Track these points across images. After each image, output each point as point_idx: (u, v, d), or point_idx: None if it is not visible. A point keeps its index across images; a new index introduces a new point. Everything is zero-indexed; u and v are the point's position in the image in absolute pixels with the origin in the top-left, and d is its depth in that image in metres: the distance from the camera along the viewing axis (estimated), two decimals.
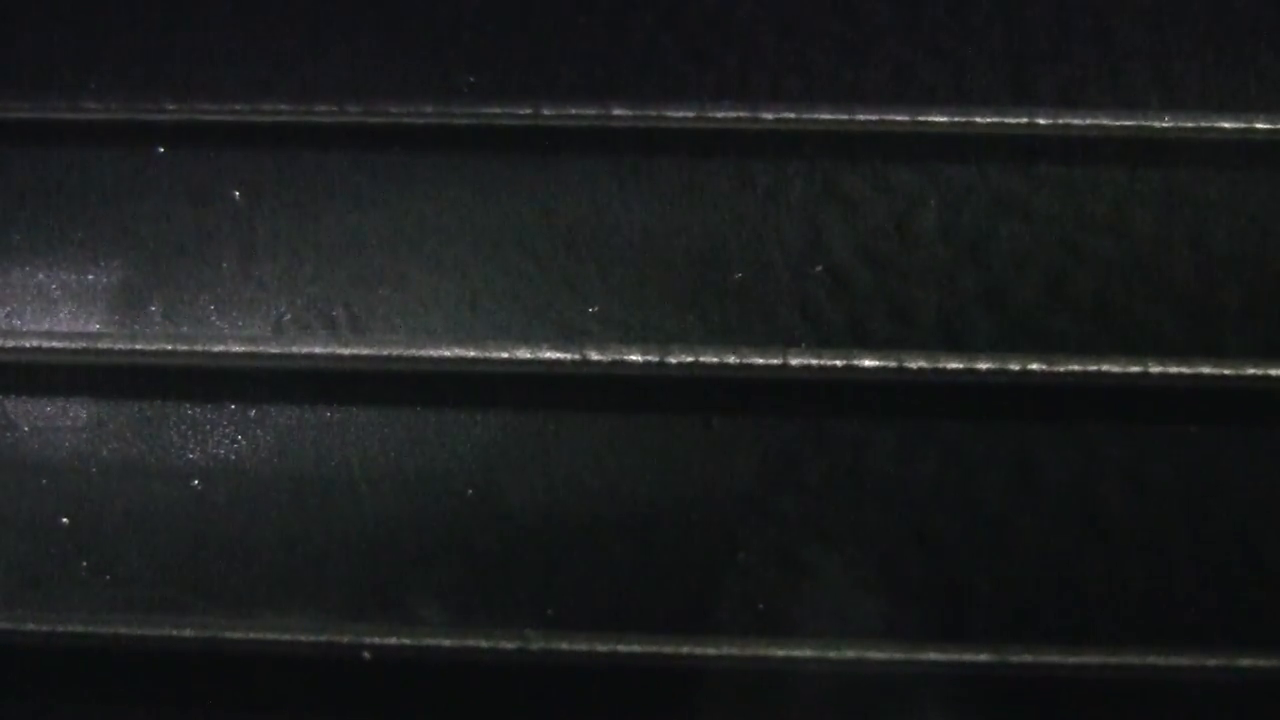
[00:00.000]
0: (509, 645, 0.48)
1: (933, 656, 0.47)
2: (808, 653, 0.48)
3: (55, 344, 0.49)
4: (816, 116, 0.49)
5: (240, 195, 0.50)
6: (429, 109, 0.49)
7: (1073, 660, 0.47)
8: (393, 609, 0.48)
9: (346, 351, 0.48)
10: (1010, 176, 0.50)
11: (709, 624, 0.48)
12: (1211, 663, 0.47)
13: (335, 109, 0.49)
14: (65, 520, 0.49)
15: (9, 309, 0.50)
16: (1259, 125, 0.49)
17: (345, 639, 0.48)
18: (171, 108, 0.50)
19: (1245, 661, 0.47)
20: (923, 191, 0.49)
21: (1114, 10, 0.51)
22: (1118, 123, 0.49)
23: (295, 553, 0.49)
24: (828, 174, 0.50)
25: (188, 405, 0.49)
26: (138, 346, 0.48)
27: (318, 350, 0.48)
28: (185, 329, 0.49)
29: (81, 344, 0.49)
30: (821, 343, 0.49)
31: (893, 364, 0.48)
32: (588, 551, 0.48)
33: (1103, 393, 0.48)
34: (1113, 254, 0.49)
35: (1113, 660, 0.47)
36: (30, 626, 0.48)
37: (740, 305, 0.49)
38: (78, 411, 0.49)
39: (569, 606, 0.48)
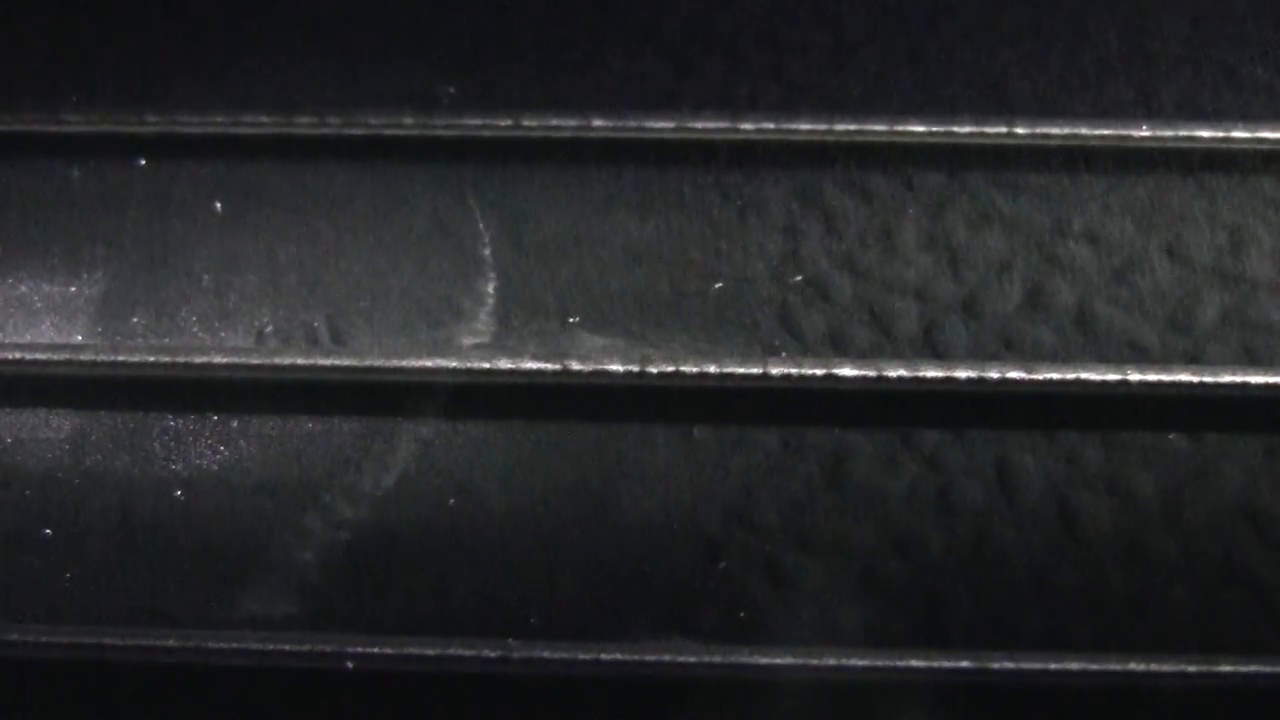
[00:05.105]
0: (491, 654, 0.48)
1: (914, 663, 0.48)
2: (789, 660, 0.48)
3: (37, 355, 0.49)
4: (796, 126, 0.49)
5: (221, 207, 0.50)
6: (409, 120, 0.50)
7: (1054, 666, 0.47)
8: (377, 617, 0.48)
9: (328, 363, 0.48)
10: (989, 186, 0.50)
11: (691, 632, 0.48)
12: (1192, 668, 0.47)
13: (316, 120, 0.49)
14: (48, 532, 0.49)
15: None
16: (1237, 134, 0.49)
17: (328, 648, 0.48)
18: (152, 119, 0.50)
19: (1225, 667, 0.47)
20: (902, 201, 0.50)
21: (1093, 19, 0.51)
22: (1096, 132, 0.49)
23: (279, 562, 0.49)
24: (807, 184, 0.50)
25: (170, 416, 0.49)
26: (120, 358, 0.48)
27: (300, 361, 0.48)
28: (167, 340, 0.49)
29: (63, 355, 0.49)
30: (801, 352, 0.49)
31: (872, 373, 0.48)
32: (570, 560, 0.48)
33: (1082, 401, 0.48)
34: (1092, 263, 0.49)
35: (1093, 666, 0.47)
36: (14, 638, 0.48)
37: (720, 315, 0.49)
38: (60, 423, 0.49)
39: (551, 615, 0.48)
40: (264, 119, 0.50)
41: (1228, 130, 0.49)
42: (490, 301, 0.49)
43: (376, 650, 0.48)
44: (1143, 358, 0.48)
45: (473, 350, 0.49)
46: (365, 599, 0.48)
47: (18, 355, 0.49)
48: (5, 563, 0.49)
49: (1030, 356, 0.48)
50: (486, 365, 0.48)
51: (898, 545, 0.48)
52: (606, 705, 0.49)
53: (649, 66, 0.50)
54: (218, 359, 0.48)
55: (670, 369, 0.48)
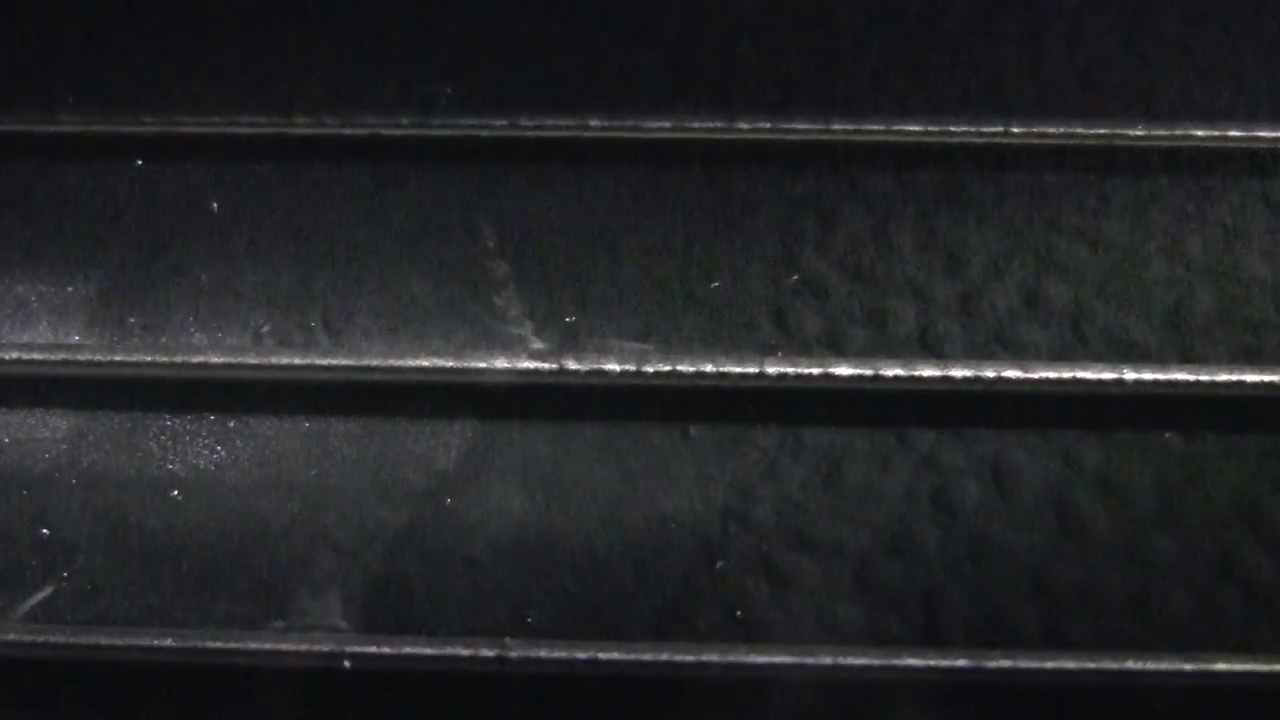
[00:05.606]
0: (488, 653, 0.48)
1: (910, 662, 0.48)
2: (786, 659, 0.48)
3: (35, 355, 0.49)
4: (792, 126, 0.49)
5: (218, 207, 0.50)
6: (406, 120, 0.50)
7: (1050, 665, 0.47)
8: (374, 616, 0.48)
9: (324, 362, 0.48)
10: (985, 185, 0.50)
11: (688, 632, 0.48)
12: (1188, 668, 0.47)
13: (313, 121, 0.50)
14: (45, 531, 0.49)
15: None
16: (1233, 133, 0.49)
17: (326, 648, 0.48)
18: (149, 120, 0.50)
19: (1221, 666, 0.47)
20: (898, 200, 0.50)
21: (1087, 19, 0.51)
22: (1092, 131, 0.49)
23: (275, 563, 0.49)
24: (804, 184, 0.50)
25: (167, 416, 0.49)
26: (117, 358, 0.49)
27: (296, 361, 0.48)
28: (164, 340, 0.50)
29: (61, 355, 0.49)
30: (798, 351, 0.49)
31: (869, 372, 0.48)
32: (566, 560, 0.48)
33: (1078, 400, 0.48)
34: (1088, 262, 0.49)
35: (1089, 665, 0.47)
36: (11, 638, 0.48)
37: (717, 315, 0.49)
38: (57, 423, 0.49)
39: (548, 614, 0.48)
40: (261, 120, 0.50)
41: (1223, 129, 0.49)
42: (486, 301, 0.49)
43: (374, 649, 0.48)
44: (1139, 357, 0.48)
45: (468, 349, 0.49)
46: (362, 598, 0.48)
47: (15, 355, 0.49)
48: (2, 562, 0.49)
49: (1026, 356, 0.48)
50: (482, 365, 0.48)
51: (894, 544, 0.48)
52: (604, 704, 0.49)
53: (646, 67, 0.51)
54: (214, 359, 0.48)
55: (667, 368, 0.48)
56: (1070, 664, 0.47)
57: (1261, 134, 0.49)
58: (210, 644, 0.48)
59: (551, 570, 0.48)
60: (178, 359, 0.48)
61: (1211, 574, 0.48)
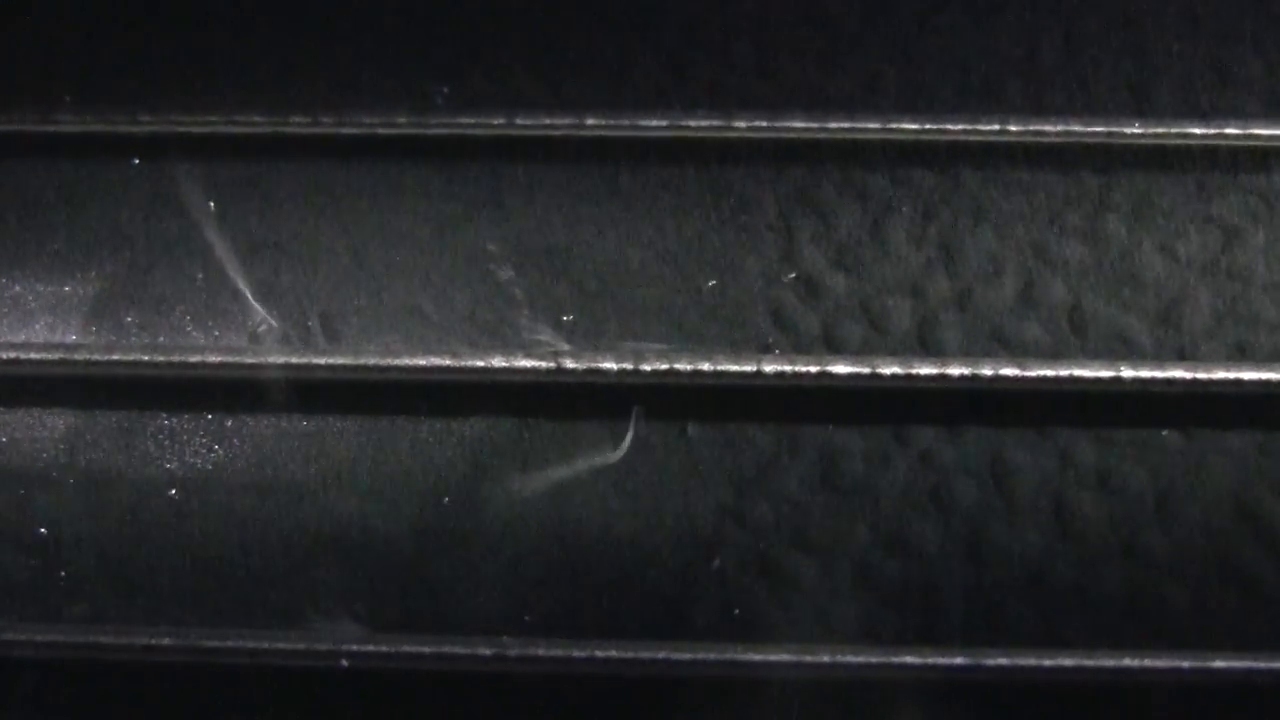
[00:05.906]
0: (486, 652, 0.48)
1: (908, 660, 0.48)
2: (784, 658, 0.48)
3: (32, 355, 0.49)
4: (789, 125, 0.49)
5: (215, 206, 0.50)
6: (403, 120, 0.50)
7: (1047, 663, 0.47)
8: (371, 616, 0.49)
9: (322, 361, 0.48)
10: (982, 184, 0.50)
11: (685, 630, 0.48)
12: (1185, 664, 0.47)
13: (309, 120, 0.50)
14: (43, 531, 0.49)
15: None
16: (1230, 131, 0.49)
17: (323, 647, 0.48)
18: (146, 119, 0.50)
19: (1219, 663, 0.47)
20: (895, 199, 0.50)
21: (1085, 17, 0.51)
22: (1089, 129, 0.49)
23: (272, 562, 0.49)
24: (800, 182, 0.50)
25: (164, 415, 0.49)
26: (114, 357, 0.49)
27: (294, 360, 0.48)
28: (162, 339, 0.50)
29: (58, 355, 0.49)
30: (795, 350, 0.49)
31: (866, 370, 0.48)
32: (564, 559, 0.48)
33: (1075, 398, 0.48)
34: (1085, 260, 0.49)
35: (1087, 663, 0.47)
36: (9, 637, 0.48)
37: (714, 313, 0.49)
38: (54, 422, 0.49)
39: (546, 613, 0.48)
40: (258, 118, 0.50)
41: (1220, 127, 0.49)
42: (483, 299, 0.50)
43: (372, 648, 0.48)
44: (1136, 354, 0.48)
45: (466, 348, 0.49)
46: (360, 597, 0.48)
47: (13, 355, 0.49)
48: (1, 562, 0.49)
49: (1023, 353, 0.49)
50: (480, 364, 0.48)
51: (892, 543, 0.48)
52: (601, 703, 0.49)
53: (643, 65, 0.51)
54: (212, 358, 0.48)
55: (664, 367, 0.48)
56: (1068, 661, 0.47)
57: (1258, 132, 0.49)
58: (209, 643, 0.48)
59: (548, 568, 0.48)
60: (175, 358, 0.49)
61: (1208, 571, 0.48)
